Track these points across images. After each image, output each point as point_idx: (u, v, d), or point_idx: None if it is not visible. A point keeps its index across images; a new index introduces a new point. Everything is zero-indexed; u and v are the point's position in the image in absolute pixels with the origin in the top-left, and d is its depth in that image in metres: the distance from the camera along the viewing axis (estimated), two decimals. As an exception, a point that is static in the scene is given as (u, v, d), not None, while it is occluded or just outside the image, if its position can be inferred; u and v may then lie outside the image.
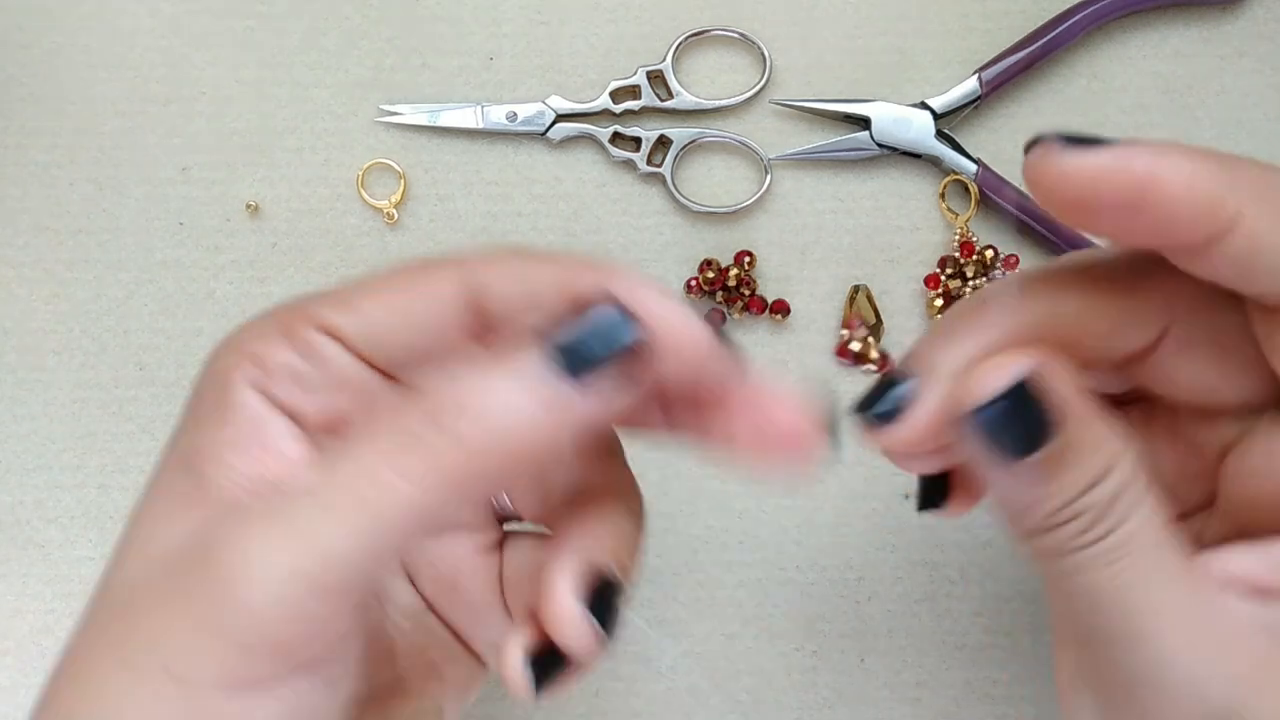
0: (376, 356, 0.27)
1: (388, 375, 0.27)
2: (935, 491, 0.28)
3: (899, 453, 0.27)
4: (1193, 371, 0.27)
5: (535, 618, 0.26)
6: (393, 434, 0.23)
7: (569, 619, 0.25)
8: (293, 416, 0.27)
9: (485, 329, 0.27)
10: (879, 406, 0.26)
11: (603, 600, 0.25)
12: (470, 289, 0.26)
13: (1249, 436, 0.27)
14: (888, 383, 0.26)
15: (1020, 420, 0.24)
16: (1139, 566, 0.25)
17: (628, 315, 0.23)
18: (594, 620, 0.25)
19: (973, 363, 0.25)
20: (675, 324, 0.24)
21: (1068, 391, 0.24)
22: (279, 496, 0.24)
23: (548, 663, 0.25)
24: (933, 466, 0.28)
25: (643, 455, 0.31)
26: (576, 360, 0.23)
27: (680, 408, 0.27)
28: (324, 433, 0.27)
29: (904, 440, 0.26)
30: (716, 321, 0.44)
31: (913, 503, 0.27)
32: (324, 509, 0.23)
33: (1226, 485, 0.28)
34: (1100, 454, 0.24)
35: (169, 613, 0.24)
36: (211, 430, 0.27)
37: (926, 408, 0.25)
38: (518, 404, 0.23)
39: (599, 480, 0.29)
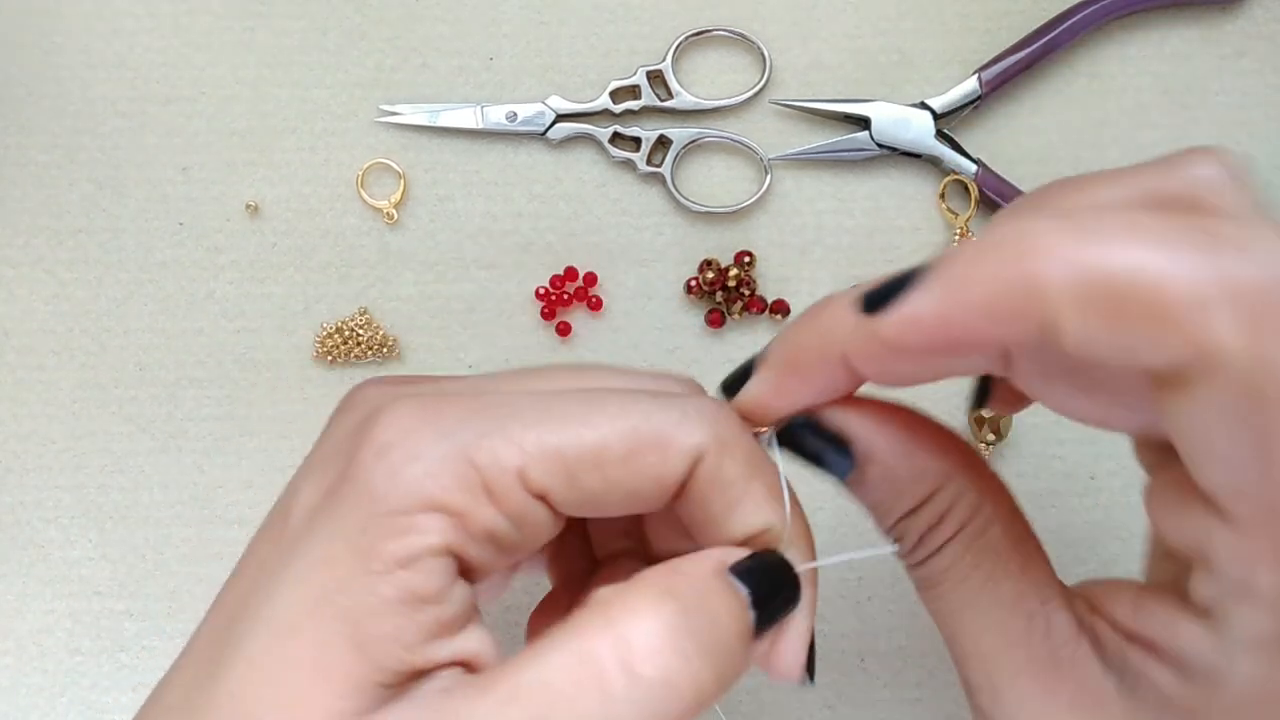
0: (576, 514, 0.25)
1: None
2: (981, 395, 0.30)
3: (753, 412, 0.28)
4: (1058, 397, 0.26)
5: None
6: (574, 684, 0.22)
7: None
8: (465, 569, 0.25)
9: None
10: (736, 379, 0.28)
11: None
12: (692, 474, 0.26)
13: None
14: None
15: (819, 447, 0.27)
16: (950, 598, 0.27)
17: (794, 583, 0.26)
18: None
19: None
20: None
21: (867, 430, 0.26)
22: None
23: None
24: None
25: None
26: (759, 602, 0.25)
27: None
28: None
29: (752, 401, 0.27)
30: (716, 323, 0.44)
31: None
32: None
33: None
34: (917, 486, 0.27)
35: None
36: (389, 596, 0.23)
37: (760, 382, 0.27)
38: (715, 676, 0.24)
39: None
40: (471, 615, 0.25)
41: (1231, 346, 0.19)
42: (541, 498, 0.24)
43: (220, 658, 0.24)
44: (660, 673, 0.22)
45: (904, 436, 0.27)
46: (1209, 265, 0.19)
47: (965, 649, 0.27)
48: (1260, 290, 0.19)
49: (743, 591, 0.25)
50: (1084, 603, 0.27)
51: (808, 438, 0.27)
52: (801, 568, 0.27)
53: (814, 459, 0.27)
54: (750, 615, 0.25)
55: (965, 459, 0.27)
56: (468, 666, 0.24)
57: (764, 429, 0.28)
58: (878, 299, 0.23)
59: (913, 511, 0.27)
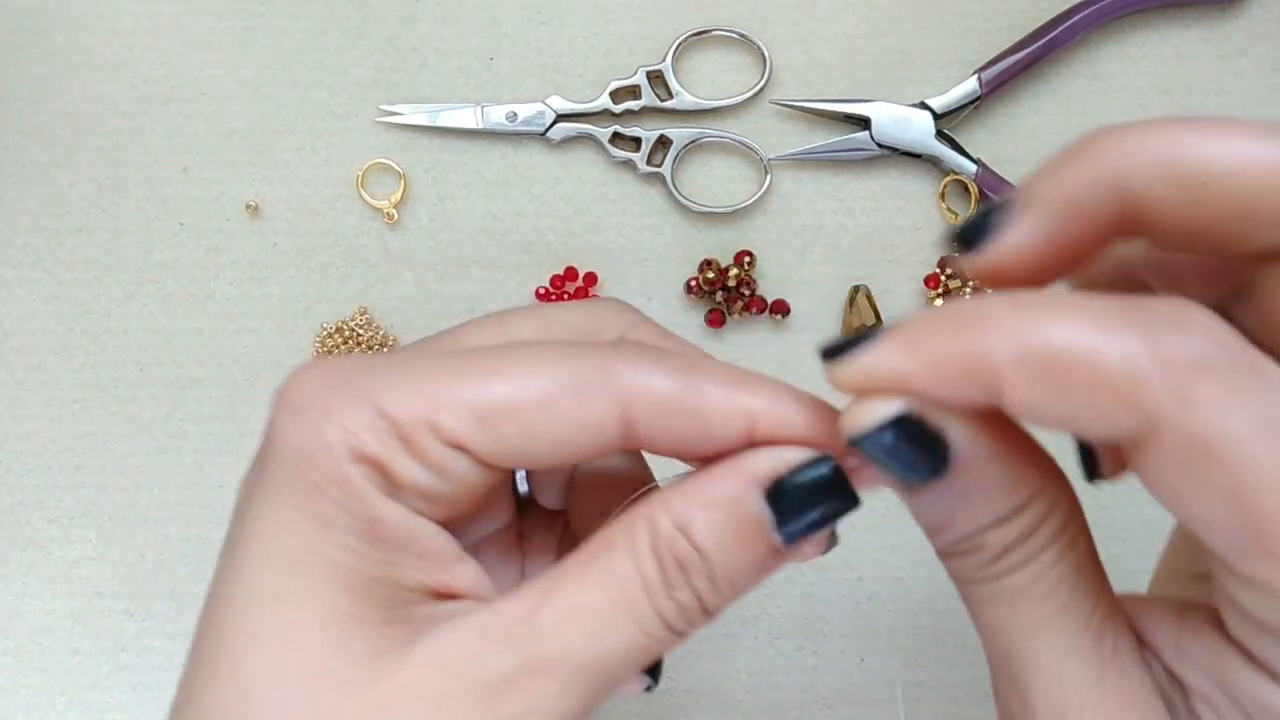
0: (503, 466, 0.25)
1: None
2: (1088, 463, 0.29)
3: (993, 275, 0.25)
4: None
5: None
6: (615, 583, 0.24)
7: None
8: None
9: (630, 444, 0.25)
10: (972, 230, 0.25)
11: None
12: (627, 420, 0.25)
13: None
14: (984, 212, 0.26)
15: (909, 451, 0.24)
16: (1027, 615, 0.25)
17: (847, 486, 0.25)
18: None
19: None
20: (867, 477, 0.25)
21: (963, 432, 0.24)
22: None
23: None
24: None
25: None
26: (796, 522, 0.24)
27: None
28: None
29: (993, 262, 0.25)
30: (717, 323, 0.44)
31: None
32: (559, 670, 0.23)
33: None
34: (1007, 497, 0.24)
35: None
36: (364, 548, 0.24)
37: (1019, 231, 0.24)
38: (746, 574, 0.24)
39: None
40: (458, 554, 0.25)
41: (1164, 408, 0.20)
42: (459, 448, 0.24)
43: (210, 643, 0.24)
44: (676, 602, 0.24)
45: (1000, 438, 0.24)
46: (1140, 340, 0.20)
47: (1031, 667, 0.25)
48: (1188, 358, 0.20)
49: (765, 514, 0.24)
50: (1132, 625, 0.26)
51: (896, 439, 0.23)
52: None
53: (900, 463, 0.24)
54: (772, 537, 0.24)
55: (1051, 466, 0.25)
56: (474, 599, 0.25)
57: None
58: (836, 345, 0.23)
59: (1004, 521, 0.24)
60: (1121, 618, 0.26)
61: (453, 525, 0.26)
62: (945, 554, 0.26)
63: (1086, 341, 0.21)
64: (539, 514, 0.32)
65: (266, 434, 0.25)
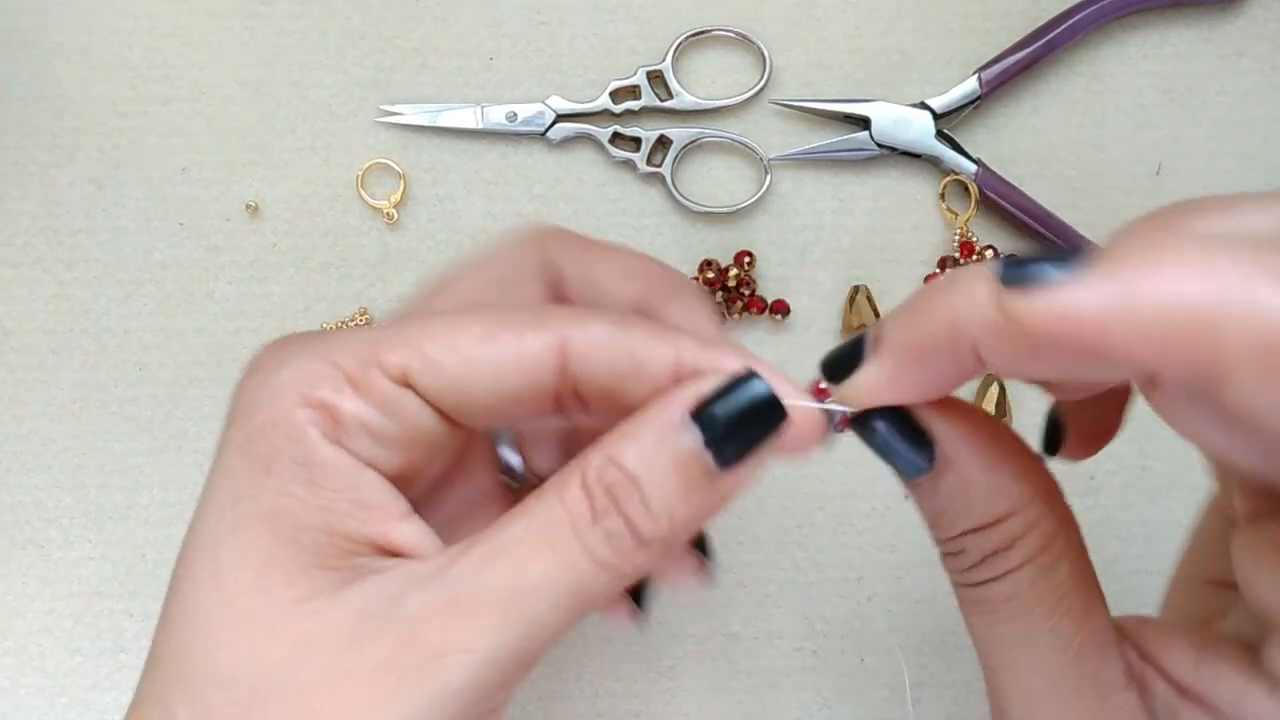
0: (453, 412, 0.26)
1: (455, 423, 0.26)
2: (1051, 438, 0.29)
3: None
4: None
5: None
6: (560, 525, 0.24)
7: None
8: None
9: (569, 393, 0.26)
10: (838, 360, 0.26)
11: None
12: (563, 355, 0.25)
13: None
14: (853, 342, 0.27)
15: (902, 443, 0.25)
16: (1004, 628, 0.26)
17: (777, 403, 0.24)
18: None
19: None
20: (804, 416, 0.25)
21: (954, 434, 0.25)
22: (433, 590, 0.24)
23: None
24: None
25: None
26: (728, 443, 0.24)
27: None
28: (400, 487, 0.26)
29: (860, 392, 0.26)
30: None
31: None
32: (497, 608, 0.23)
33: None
34: (991, 504, 0.25)
35: None
36: (300, 493, 0.25)
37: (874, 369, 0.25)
38: (683, 498, 0.24)
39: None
40: (402, 507, 0.26)
41: (1243, 312, 0.19)
42: (405, 384, 0.25)
43: (171, 594, 0.25)
44: (607, 534, 0.24)
45: (989, 449, 0.25)
46: (1204, 267, 0.19)
47: (1007, 683, 0.26)
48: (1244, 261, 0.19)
49: (694, 437, 0.24)
50: (1133, 648, 0.26)
51: (887, 430, 0.25)
52: (797, 404, 0.25)
53: (886, 453, 0.25)
54: (705, 459, 0.24)
55: (1045, 485, 0.26)
56: (417, 560, 0.25)
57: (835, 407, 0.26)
58: (1023, 276, 0.21)
59: (981, 529, 0.25)
60: (1112, 643, 0.26)
61: (410, 481, 0.26)
62: (942, 554, 0.27)
63: (1174, 287, 0.19)
64: None
65: (233, 391, 0.26)
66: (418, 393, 0.25)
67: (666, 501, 0.24)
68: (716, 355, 0.25)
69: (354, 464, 0.25)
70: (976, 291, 0.22)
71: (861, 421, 0.25)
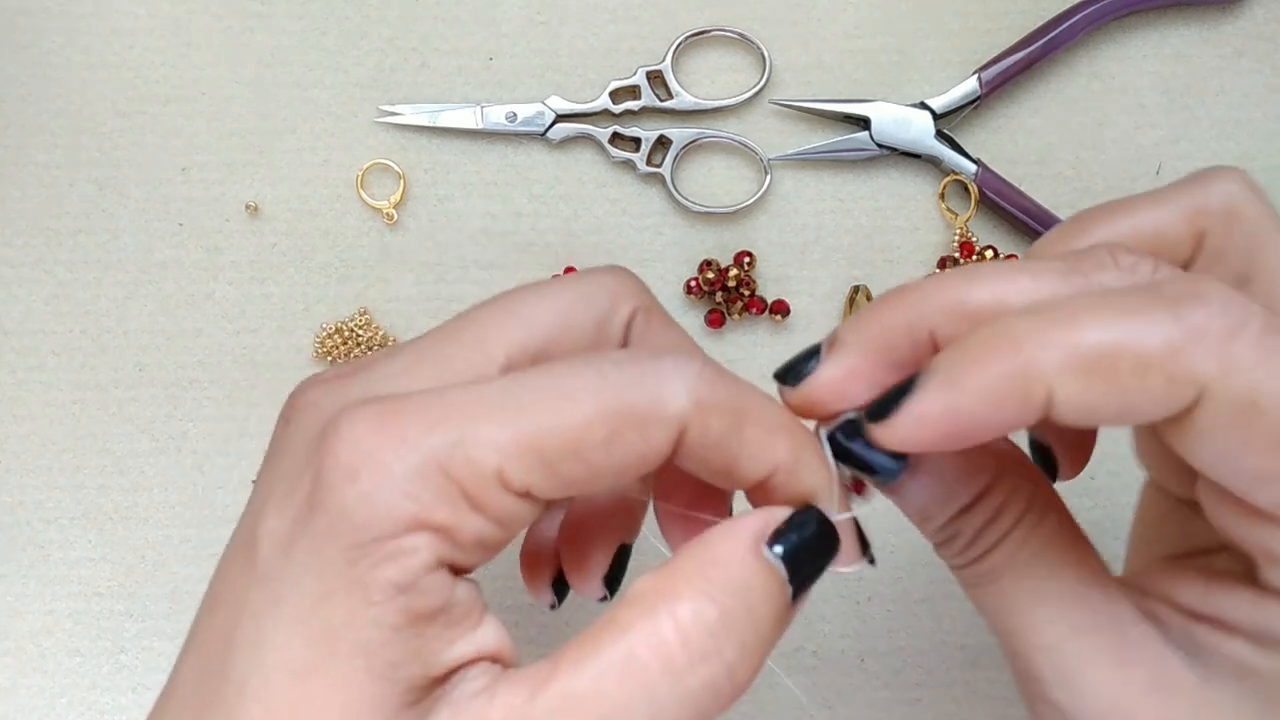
0: (559, 498, 0.25)
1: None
2: (1047, 465, 0.30)
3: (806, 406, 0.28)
4: None
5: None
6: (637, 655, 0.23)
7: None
8: (460, 570, 0.25)
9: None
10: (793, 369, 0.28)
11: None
12: (675, 447, 0.25)
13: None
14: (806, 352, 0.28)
15: (873, 450, 0.26)
16: (1012, 589, 0.27)
17: (833, 538, 0.26)
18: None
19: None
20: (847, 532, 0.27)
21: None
22: None
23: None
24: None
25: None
26: (797, 575, 0.25)
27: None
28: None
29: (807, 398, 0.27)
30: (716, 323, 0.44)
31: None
32: None
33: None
34: (971, 482, 0.27)
35: None
36: (399, 621, 0.23)
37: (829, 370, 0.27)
38: (774, 633, 0.25)
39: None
40: (480, 609, 0.25)
41: (1211, 374, 0.22)
42: (525, 495, 0.24)
43: (221, 704, 0.23)
44: (703, 679, 0.23)
45: None
46: (1174, 319, 0.23)
47: (1030, 641, 0.27)
48: (1219, 326, 0.23)
49: (781, 571, 0.25)
50: (1136, 590, 0.27)
51: (855, 441, 0.26)
52: (838, 518, 0.26)
53: (861, 463, 0.26)
54: (788, 591, 0.25)
55: (1008, 450, 0.27)
56: (491, 660, 0.24)
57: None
58: (877, 405, 0.25)
59: (967, 510, 0.27)
60: (1114, 584, 0.27)
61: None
62: (935, 544, 0.28)
63: (1123, 333, 0.23)
64: None
65: (314, 483, 0.24)
66: (533, 499, 0.24)
67: (762, 641, 0.24)
68: (805, 471, 0.26)
69: (452, 580, 0.24)
70: (928, 289, 0.25)
71: (835, 442, 0.27)
